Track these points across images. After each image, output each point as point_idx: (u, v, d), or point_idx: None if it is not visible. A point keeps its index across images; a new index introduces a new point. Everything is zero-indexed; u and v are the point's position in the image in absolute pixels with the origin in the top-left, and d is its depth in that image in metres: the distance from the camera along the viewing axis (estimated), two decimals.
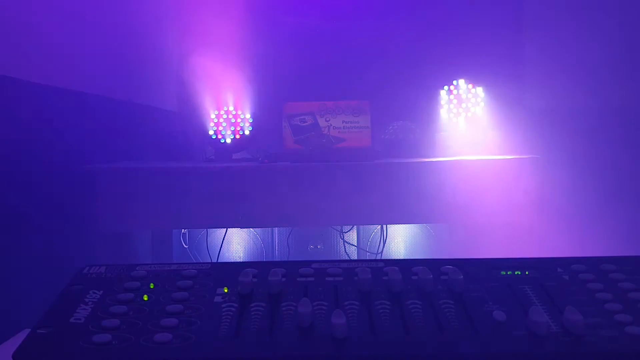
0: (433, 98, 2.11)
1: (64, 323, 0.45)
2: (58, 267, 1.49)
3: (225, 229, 2.34)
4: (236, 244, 2.50)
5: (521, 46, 2.31)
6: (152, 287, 0.50)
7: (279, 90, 2.35)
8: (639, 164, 2.10)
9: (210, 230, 2.43)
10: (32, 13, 1.54)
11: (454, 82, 2.10)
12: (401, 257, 2.46)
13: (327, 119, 2.16)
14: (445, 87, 2.11)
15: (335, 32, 2.42)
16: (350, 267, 0.53)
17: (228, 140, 2.05)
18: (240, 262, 0.54)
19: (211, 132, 2.06)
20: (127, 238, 1.92)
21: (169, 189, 1.83)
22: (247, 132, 2.07)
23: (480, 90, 2.08)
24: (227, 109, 2.06)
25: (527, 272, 0.52)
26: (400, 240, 2.49)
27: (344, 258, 2.34)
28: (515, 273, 0.52)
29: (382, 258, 2.24)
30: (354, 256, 2.49)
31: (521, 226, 1.91)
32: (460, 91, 2.09)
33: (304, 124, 2.15)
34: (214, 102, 2.07)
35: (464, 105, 2.08)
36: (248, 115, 2.07)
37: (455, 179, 1.85)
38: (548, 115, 2.21)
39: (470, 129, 2.06)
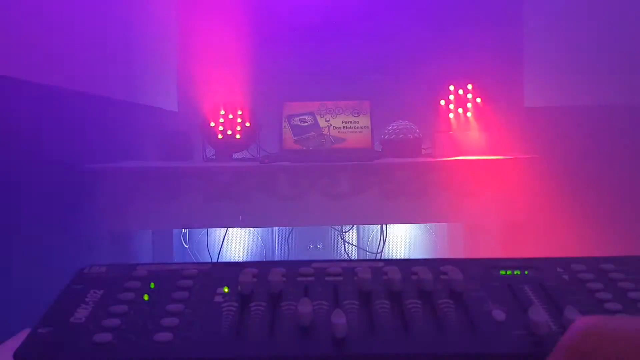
0: (433, 98, 2.11)
1: (65, 323, 0.45)
2: (58, 267, 1.49)
3: (225, 229, 2.34)
4: (236, 244, 2.50)
5: (521, 46, 2.31)
6: (152, 286, 0.50)
7: (279, 90, 2.35)
8: (638, 163, 2.10)
9: (210, 230, 2.44)
10: (32, 13, 1.54)
11: (454, 82, 2.10)
12: (401, 257, 2.46)
13: (327, 119, 2.16)
14: (446, 87, 2.11)
15: (336, 31, 2.42)
16: (350, 267, 0.53)
17: (228, 140, 2.05)
18: (240, 262, 0.54)
19: (212, 132, 2.06)
20: (127, 238, 1.92)
21: (169, 189, 1.83)
22: (247, 133, 2.07)
23: (480, 90, 2.08)
24: (227, 108, 2.06)
25: (526, 272, 0.52)
26: (400, 240, 2.50)
27: (344, 258, 2.34)
28: (515, 273, 0.52)
29: (382, 258, 2.24)
30: (354, 256, 2.49)
31: (521, 226, 1.91)
32: (460, 91, 2.09)
33: (304, 124, 2.16)
34: (214, 102, 2.07)
35: (464, 105, 2.08)
36: (248, 116, 2.07)
37: (455, 179, 1.85)
38: (547, 115, 2.21)
39: (470, 129, 2.06)
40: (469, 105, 2.07)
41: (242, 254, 2.50)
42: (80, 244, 1.75)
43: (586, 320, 0.30)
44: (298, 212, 1.87)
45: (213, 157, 2.09)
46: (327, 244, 2.52)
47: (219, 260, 2.33)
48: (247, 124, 2.05)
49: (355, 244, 2.51)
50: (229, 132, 2.04)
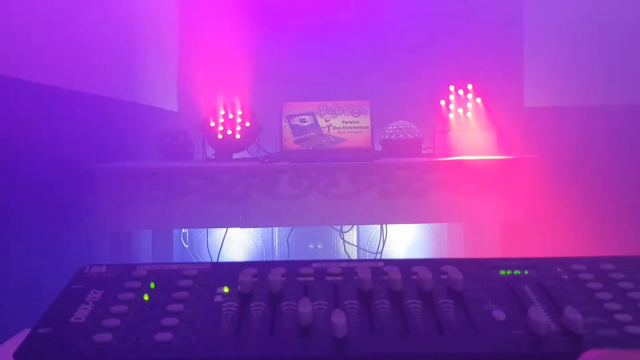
0: (433, 98, 2.11)
1: (65, 323, 0.45)
2: (58, 267, 1.49)
3: (225, 229, 2.34)
4: (236, 244, 2.50)
5: (521, 46, 2.31)
6: (152, 286, 0.50)
7: (279, 90, 2.35)
8: (638, 163, 2.10)
9: (210, 230, 2.44)
10: (32, 13, 1.54)
11: (454, 82, 2.10)
12: (401, 257, 2.46)
13: (327, 119, 2.16)
14: (446, 87, 2.10)
15: (336, 31, 2.42)
16: (350, 267, 0.53)
17: (228, 140, 2.05)
18: (240, 262, 0.54)
19: (212, 132, 2.05)
20: (127, 238, 1.92)
21: (169, 189, 1.83)
22: (247, 133, 2.06)
23: (480, 90, 2.08)
24: (227, 108, 2.06)
25: (526, 272, 0.52)
26: (400, 240, 2.50)
27: (344, 258, 2.34)
28: (515, 273, 0.52)
29: (382, 258, 2.24)
30: (354, 256, 2.49)
31: (521, 226, 1.91)
32: (460, 91, 2.09)
33: (304, 124, 2.16)
34: (214, 102, 2.07)
35: (463, 105, 2.08)
36: (248, 116, 2.07)
37: (455, 179, 1.85)
38: (547, 115, 2.21)
39: (470, 129, 2.06)
40: (469, 105, 2.06)
41: (242, 254, 2.50)
42: (80, 244, 1.75)
43: (593, 354, 0.30)
44: (298, 212, 1.87)
45: (213, 157, 2.09)
46: (327, 244, 2.52)
47: (219, 260, 2.33)
48: (247, 124, 2.05)
49: (355, 244, 2.51)
50: (229, 132, 2.03)
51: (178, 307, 0.47)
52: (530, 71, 2.28)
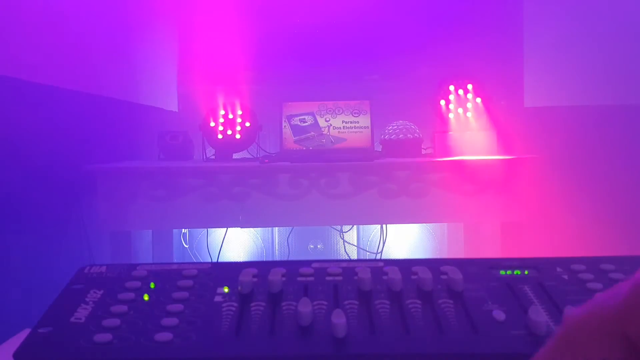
0: (433, 98, 2.11)
1: (65, 323, 0.45)
2: (58, 267, 1.49)
3: (225, 229, 2.34)
4: (236, 244, 2.50)
5: (521, 46, 2.31)
6: (152, 286, 0.50)
7: (279, 90, 2.35)
8: (638, 163, 2.10)
9: (210, 230, 2.44)
10: (32, 13, 1.54)
11: (454, 82, 2.10)
12: (401, 257, 2.46)
13: (327, 119, 2.16)
14: (446, 87, 2.10)
15: (335, 31, 2.42)
16: (350, 267, 0.53)
17: (228, 140, 2.05)
18: (240, 262, 0.54)
19: (212, 132, 2.05)
20: (127, 238, 1.92)
21: (169, 189, 1.83)
22: (247, 133, 2.06)
23: (480, 90, 2.08)
24: (227, 108, 2.06)
25: (526, 272, 0.52)
26: (400, 240, 2.50)
27: (344, 258, 2.34)
28: (515, 273, 0.52)
29: (382, 258, 2.24)
30: (354, 256, 2.49)
31: (521, 226, 1.91)
32: (460, 91, 2.09)
33: (304, 124, 2.16)
34: (214, 102, 2.07)
35: (463, 105, 2.08)
36: (248, 116, 2.07)
37: (455, 179, 1.85)
38: (547, 115, 2.21)
39: (470, 129, 2.06)
40: (469, 105, 2.06)
41: (242, 254, 2.50)
42: (79, 244, 1.75)
43: None
44: (298, 212, 1.87)
45: (213, 157, 2.09)
46: (327, 244, 2.52)
47: (219, 260, 2.33)
48: (247, 124, 2.05)
49: (355, 244, 2.51)
50: (229, 132, 2.04)
51: (178, 307, 0.47)
52: (530, 71, 2.28)
